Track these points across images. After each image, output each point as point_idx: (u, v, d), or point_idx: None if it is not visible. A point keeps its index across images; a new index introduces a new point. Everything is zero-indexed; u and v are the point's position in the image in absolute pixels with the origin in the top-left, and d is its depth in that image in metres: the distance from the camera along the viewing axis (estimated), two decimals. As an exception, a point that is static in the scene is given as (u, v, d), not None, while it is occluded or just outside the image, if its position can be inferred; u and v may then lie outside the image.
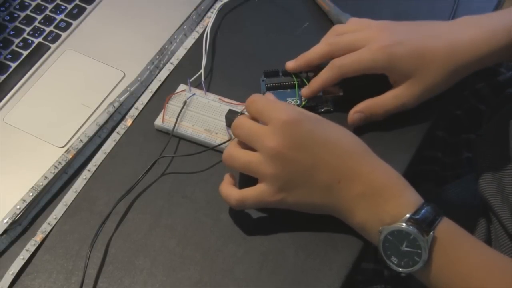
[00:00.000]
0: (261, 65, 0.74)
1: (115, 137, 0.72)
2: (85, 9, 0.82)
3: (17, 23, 0.80)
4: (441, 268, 0.59)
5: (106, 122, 0.72)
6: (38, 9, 0.81)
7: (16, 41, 0.79)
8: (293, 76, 0.73)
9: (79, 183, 0.69)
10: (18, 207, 0.67)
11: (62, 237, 0.66)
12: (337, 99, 0.72)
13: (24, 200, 0.67)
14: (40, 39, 0.79)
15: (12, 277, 0.63)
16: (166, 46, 0.78)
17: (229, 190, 0.64)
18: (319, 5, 0.81)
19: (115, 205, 0.66)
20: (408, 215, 0.59)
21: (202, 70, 0.75)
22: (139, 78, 0.75)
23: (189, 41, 0.79)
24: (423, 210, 0.59)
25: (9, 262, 0.64)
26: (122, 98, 0.74)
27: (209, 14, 0.81)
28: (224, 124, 0.70)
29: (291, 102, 0.72)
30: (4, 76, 0.76)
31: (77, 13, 0.81)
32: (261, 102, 0.65)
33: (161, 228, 0.66)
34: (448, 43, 0.68)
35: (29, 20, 0.80)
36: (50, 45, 0.79)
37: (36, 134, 0.72)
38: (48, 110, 0.74)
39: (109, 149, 0.71)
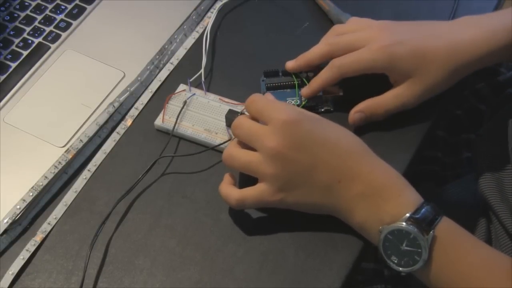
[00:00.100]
0: (261, 65, 0.74)
1: (115, 137, 0.72)
2: (85, 9, 0.82)
3: (17, 23, 0.80)
4: (441, 267, 0.59)
5: (106, 122, 0.72)
6: (38, 9, 0.81)
7: (16, 41, 0.79)
8: (293, 76, 0.73)
9: (79, 183, 0.69)
10: (18, 207, 0.67)
11: (62, 237, 0.66)
12: (337, 99, 0.72)
13: (24, 200, 0.67)
14: (40, 39, 0.79)
15: (12, 277, 0.63)
16: (166, 46, 0.78)
17: (229, 190, 0.64)
18: (319, 5, 0.81)
19: (115, 205, 0.66)
20: (408, 215, 0.59)
21: (202, 70, 0.75)
22: (139, 78, 0.75)
23: (189, 41, 0.79)
24: (423, 210, 0.59)
25: (9, 262, 0.64)
26: (122, 98, 0.73)
27: (209, 14, 0.81)
28: (224, 124, 0.70)
29: (291, 102, 0.72)
30: (4, 76, 0.76)
31: (77, 13, 0.81)
32: (261, 102, 0.65)
33: (161, 228, 0.66)
34: (448, 43, 0.68)
35: (29, 20, 0.80)
36: (50, 45, 0.79)
37: (36, 134, 0.72)
38: (48, 110, 0.74)
39: (109, 149, 0.71)
